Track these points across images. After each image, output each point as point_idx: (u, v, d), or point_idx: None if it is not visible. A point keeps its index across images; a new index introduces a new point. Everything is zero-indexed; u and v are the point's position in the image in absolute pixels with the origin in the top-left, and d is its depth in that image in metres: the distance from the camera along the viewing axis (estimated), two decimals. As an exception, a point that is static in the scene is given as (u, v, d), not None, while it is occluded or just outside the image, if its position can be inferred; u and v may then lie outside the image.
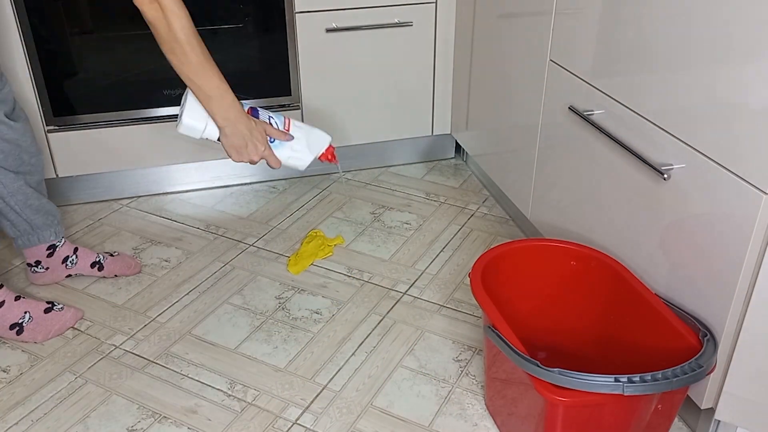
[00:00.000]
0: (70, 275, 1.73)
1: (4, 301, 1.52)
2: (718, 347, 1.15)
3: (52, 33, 1.81)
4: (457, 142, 2.31)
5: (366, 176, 2.23)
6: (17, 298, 1.54)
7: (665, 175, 1.20)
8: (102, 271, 1.73)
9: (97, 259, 1.73)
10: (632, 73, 1.29)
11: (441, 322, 1.61)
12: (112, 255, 1.76)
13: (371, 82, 2.08)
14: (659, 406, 1.14)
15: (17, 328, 1.53)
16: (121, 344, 1.54)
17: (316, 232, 1.90)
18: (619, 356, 1.32)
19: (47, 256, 1.68)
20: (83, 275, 1.74)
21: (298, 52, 1.98)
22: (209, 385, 1.43)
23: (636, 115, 1.29)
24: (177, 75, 1.27)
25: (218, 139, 1.33)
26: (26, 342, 1.55)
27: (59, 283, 1.72)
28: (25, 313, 1.54)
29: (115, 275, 1.75)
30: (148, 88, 1.94)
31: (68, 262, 1.70)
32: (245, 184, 2.18)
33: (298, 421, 1.35)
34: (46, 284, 1.72)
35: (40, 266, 1.69)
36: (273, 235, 1.92)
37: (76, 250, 1.72)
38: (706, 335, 1.14)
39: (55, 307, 1.58)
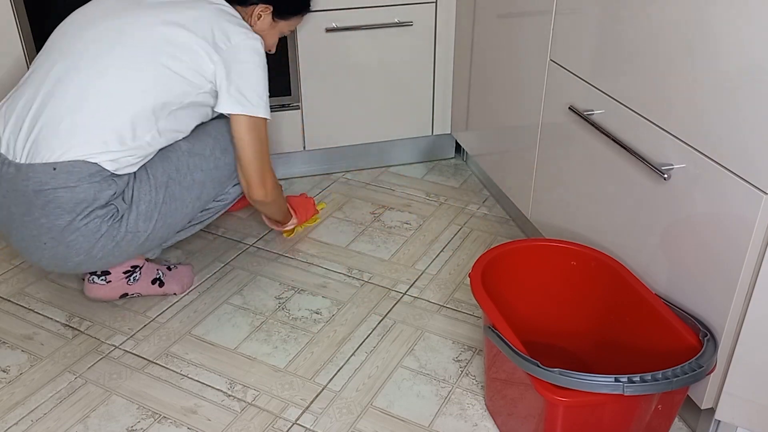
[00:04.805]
0: (126, 295, 1.61)
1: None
2: (718, 347, 1.15)
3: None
4: (457, 142, 2.31)
5: (366, 176, 2.23)
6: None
7: (665, 175, 1.20)
8: (162, 288, 1.65)
9: (158, 276, 1.64)
10: (632, 73, 1.29)
11: (441, 322, 1.60)
12: (169, 269, 1.68)
13: (371, 82, 2.08)
14: (659, 406, 1.14)
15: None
16: (121, 344, 1.54)
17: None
18: (619, 356, 1.33)
19: (123, 271, 1.58)
20: (141, 296, 1.64)
21: (298, 52, 1.98)
22: (209, 385, 1.43)
23: (636, 115, 1.29)
24: None
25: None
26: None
27: (54, 281, 1.72)
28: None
29: (175, 293, 1.67)
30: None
31: (131, 278, 1.59)
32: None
33: (298, 422, 1.35)
34: (98, 299, 1.61)
35: (103, 278, 1.57)
36: (273, 235, 1.92)
37: (142, 265, 1.61)
38: (706, 335, 1.14)
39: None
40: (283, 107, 2.05)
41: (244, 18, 1.57)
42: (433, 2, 2.02)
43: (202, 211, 1.63)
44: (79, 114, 1.39)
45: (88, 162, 1.38)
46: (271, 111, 2.00)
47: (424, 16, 2.03)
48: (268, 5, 1.59)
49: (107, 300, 1.63)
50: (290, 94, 2.03)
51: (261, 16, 1.59)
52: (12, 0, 1.74)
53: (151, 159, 1.48)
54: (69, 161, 1.37)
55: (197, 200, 1.56)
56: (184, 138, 1.54)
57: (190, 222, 1.63)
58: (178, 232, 1.61)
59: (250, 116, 1.52)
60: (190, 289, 1.71)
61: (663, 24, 1.19)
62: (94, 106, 1.40)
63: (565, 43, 1.50)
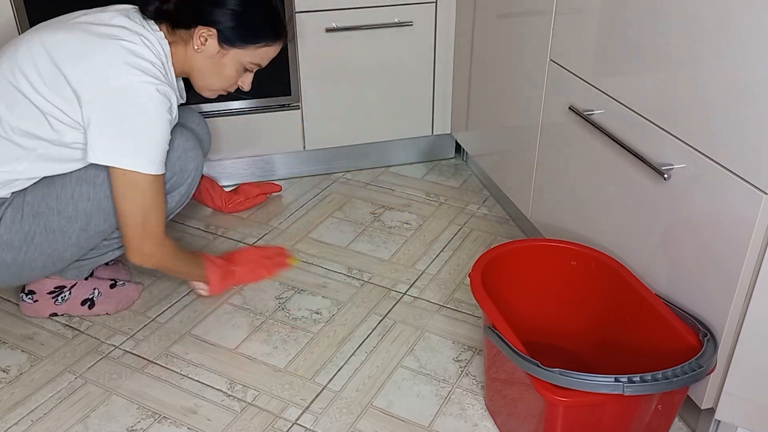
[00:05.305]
0: (55, 314, 1.59)
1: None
2: (719, 347, 1.15)
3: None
4: (457, 142, 2.31)
5: (366, 176, 2.23)
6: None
7: (665, 175, 1.20)
8: (92, 310, 1.60)
9: (90, 296, 1.59)
10: (632, 73, 1.29)
11: (441, 322, 1.60)
12: (112, 286, 1.62)
13: (371, 82, 2.08)
14: (659, 406, 1.14)
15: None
16: (121, 344, 1.54)
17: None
18: (619, 356, 1.33)
19: (47, 291, 1.56)
20: (70, 315, 1.60)
21: (298, 52, 1.98)
22: (209, 385, 1.43)
23: (636, 115, 1.29)
24: None
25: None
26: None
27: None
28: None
29: (107, 313, 1.61)
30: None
31: (58, 298, 1.57)
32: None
33: (298, 421, 1.35)
34: (28, 317, 1.60)
35: (30, 296, 1.57)
36: (273, 235, 1.92)
37: (74, 284, 1.58)
38: (706, 335, 1.14)
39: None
40: (283, 107, 2.05)
41: (187, 42, 1.40)
42: (433, 2, 2.02)
43: (106, 240, 1.48)
44: None
45: None
46: (271, 111, 2.04)
47: (424, 16, 2.03)
48: (209, 27, 1.39)
49: (38, 317, 1.60)
50: (290, 94, 2.03)
51: (206, 39, 1.40)
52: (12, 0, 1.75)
53: (35, 183, 1.38)
54: None
55: (83, 231, 1.40)
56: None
57: (94, 250, 1.49)
58: (78, 260, 1.50)
59: (125, 170, 1.31)
60: (190, 289, 1.71)
61: (663, 24, 1.19)
62: None
63: (565, 43, 1.50)
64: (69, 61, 1.31)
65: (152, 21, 1.40)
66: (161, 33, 1.40)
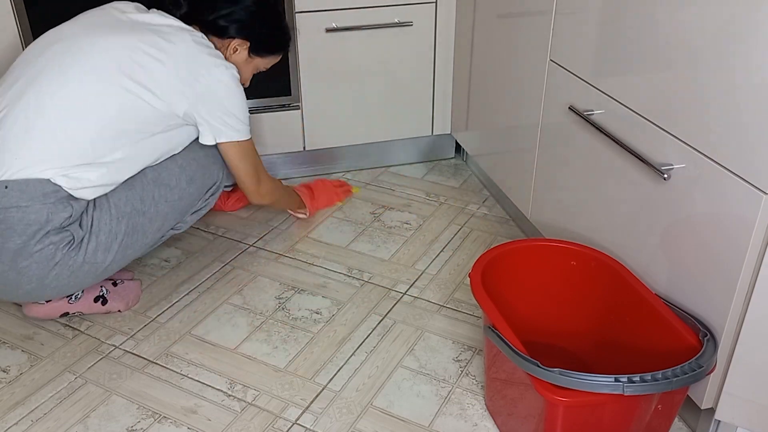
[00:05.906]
0: (66, 314, 1.57)
1: None
2: (718, 347, 1.15)
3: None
4: (457, 142, 2.31)
5: (366, 176, 2.23)
6: None
7: (665, 175, 1.20)
8: (105, 306, 1.60)
9: (101, 293, 1.59)
10: (632, 73, 1.29)
11: (441, 322, 1.60)
12: (115, 284, 1.63)
13: (371, 82, 2.08)
14: (659, 406, 1.14)
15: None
16: (121, 344, 1.54)
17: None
18: (619, 356, 1.33)
19: None
20: (83, 314, 1.60)
21: (298, 52, 1.98)
22: (209, 385, 1.43)
23: (636, 115, 1.29)
24: None
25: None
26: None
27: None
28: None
29: (119, 310, 1.62)
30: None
31: (72, 296, 1.55)
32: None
33: (298, 421, 1.35)
34: (36, 318, 1.57)
35: None
36: (273, 235, 1.92)
37: None
38: (706, 335, 1.14)
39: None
40: (283, 107, 2.05)
41: (218, 49, 1.54)
42: (433, 2, 2.02)
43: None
44: (34, 130, 1.34)
45: (43, 180, 1.33)
46: (271, 111, 2.04)
47: (424, 16, 2.03)
48: (245, 40, 1.58)
49: (46, 319, 1.58)
50: (290, 94, 2.03)
51: (237, 50, 1.58)
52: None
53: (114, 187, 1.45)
54: (22, 179, 1.32)
55: (158, 231, 1.52)
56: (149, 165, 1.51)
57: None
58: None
59: (239, 142, 1.56)
60: (190, 289, 1.71)
61: (663, 24, 1.19)
62: (52, 122, 1.35)
63: (565, 43, 1.50)
64: (171, 57, 1.43)
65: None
66: (199, 34, 1.52)
